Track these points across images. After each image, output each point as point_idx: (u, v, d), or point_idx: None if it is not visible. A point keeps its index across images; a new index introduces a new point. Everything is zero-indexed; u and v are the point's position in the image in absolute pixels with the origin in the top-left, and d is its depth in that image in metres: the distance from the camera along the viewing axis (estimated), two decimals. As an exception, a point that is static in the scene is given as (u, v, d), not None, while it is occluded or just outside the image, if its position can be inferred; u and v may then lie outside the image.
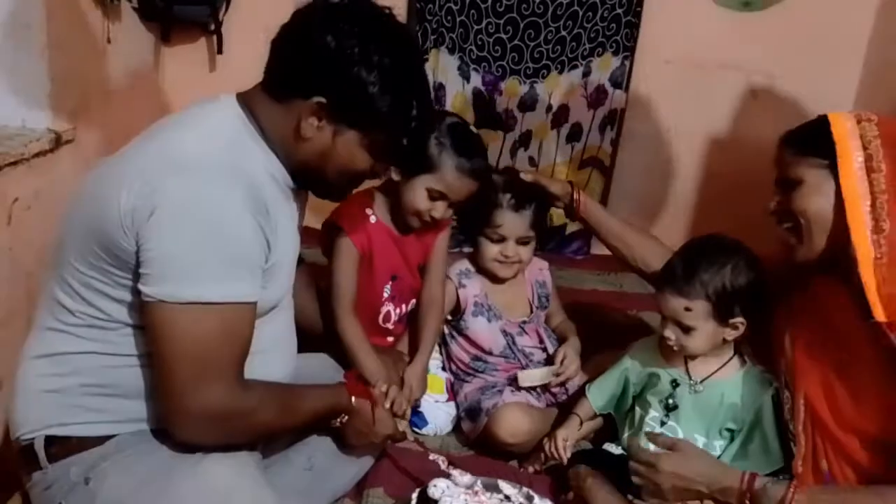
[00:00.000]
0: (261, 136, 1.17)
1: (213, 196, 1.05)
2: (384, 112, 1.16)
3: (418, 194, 1.59)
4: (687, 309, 1.42)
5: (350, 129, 1.17)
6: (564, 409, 1.71)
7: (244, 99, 1.19)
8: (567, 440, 1.55)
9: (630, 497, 1.47)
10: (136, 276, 1.07)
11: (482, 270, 1.82)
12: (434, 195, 1.59)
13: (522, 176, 1.76)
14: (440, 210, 1.61)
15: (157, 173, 1.05)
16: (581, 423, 1.61)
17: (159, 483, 1.10)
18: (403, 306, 1.78)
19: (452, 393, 1.79)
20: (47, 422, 1.14)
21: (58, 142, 1.85)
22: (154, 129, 1.18)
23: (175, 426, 1.10)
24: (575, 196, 1.76)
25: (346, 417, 1.33)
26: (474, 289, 1.81)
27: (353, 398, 1.33)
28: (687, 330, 1.44)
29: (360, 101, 1.14)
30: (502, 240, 1.75)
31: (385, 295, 1.73)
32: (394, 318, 1.77)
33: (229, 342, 1.09)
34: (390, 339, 1.81)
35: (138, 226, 1.04)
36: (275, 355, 1.28)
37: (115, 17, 2.19)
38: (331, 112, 1.14)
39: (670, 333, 1.46)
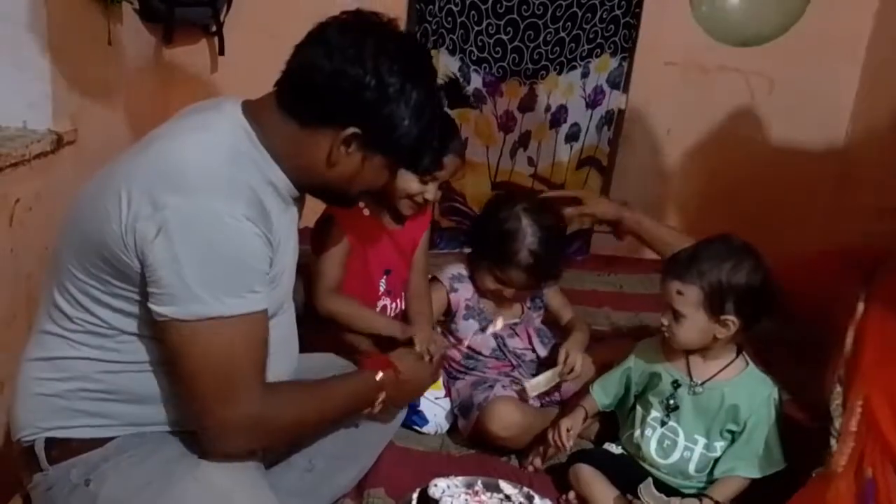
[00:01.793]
0: (265, 148, 1.17)
1: (216, 211, 1.05)
2: (414, 141, 1.20)
3: (409, 179, 1.62)
4: (679, 293, 1.43)
5: (378, 154, 1.21)
6: (564, 407, 1.71)
7: (251, 110, 1.18)
8: (571, 429, 1.55)
9: (630, 497, 1.48)
10: (138, 289, 1.08)
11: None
12: (424, 178, 1.62)
13: (567, 212, 1.77)
14: (432, 191, 1.65)
15: (158, 190, 1.04)
16: (586, 416, 1.61)
17: (159, 485, 1.10)
18: (399, 301, 1.79)
19: (449, 390, 1.80)
20: (47, 424, 1.15)
21: (59, 143, 1.86)
22: (152, 138, 1.17)
23: (213, 442, 1.11)
24: (627, 215, 1.77)
25: (383, 395, 1.34)
26: (466, 293, 1.81)
27: (378, 374, 1.33)
28: (678, 317, 1.45)
29: (394, 133, 1.18)
30: (507, 284, 1.75)
31: (381, 290, 1.74)
32: (390, 312, 1.77)
33: (249, 351, 1.10)
34: None
35: (142, 245, 1.04)
36: (277, 360, 1.27)
37: (116, 18, 2.19)
38: (363, 142, 1.18)
39: (664, 319, 1.48)
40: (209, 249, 1.04)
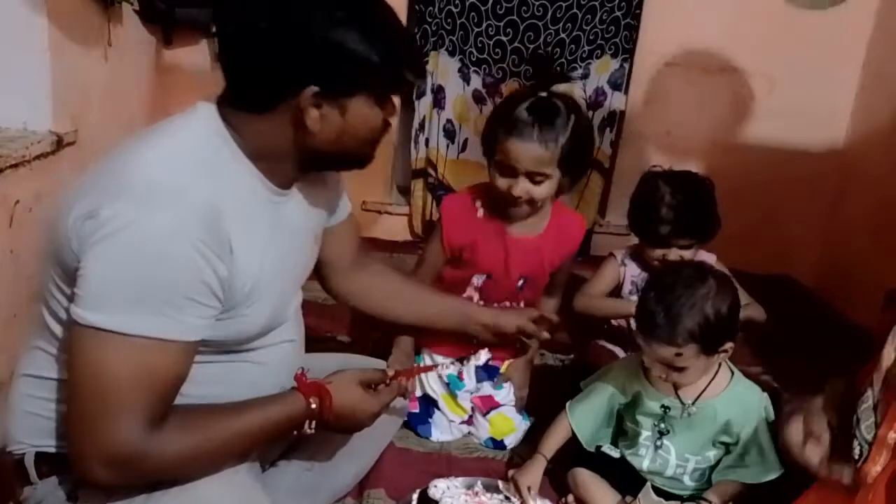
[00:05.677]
0: (241, 149, 1.10)
1: (151, 223, 0.98)
2: (376, 59, 1.07)
3: (493, 173, 1.59)
4: (677, 354, 1.38)
5: (354, 96, 1.10)
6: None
7: (222, 110, 1.11)
8: (531, 488, 1.48)
9: (628, 499, 1.47)
10: None
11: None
12: (503, 169, 1.56)
13: None
14: (518, 186, 1.56)
15: (105, 195, 1.00)
16: (547, 462, 1.54)
17: (143, 499, 1.07)
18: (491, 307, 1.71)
19: (471, 419, 1.75)
20: (37, 441, 1.13)
21: (59, 144, 1.86)
22: (125, 144, 1.11)
23: (74, 462, 1.02)
24: None
25: (314, 424, 1.18)
26: (633, 270, 1.94)
27: (310, 400, 1.17)
28: (680, 369, 1.40)
29: (350, 65, 1.06)
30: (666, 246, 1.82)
31: (473, 283, 1.70)
32: None
33: (142, 380, 0.99)
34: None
35: (80, 248, 0.99)
36: (263, 391, 1.17)
37: (116, 19, 2.20)
38: (329, 93, 1.07)
39: (660, 373, 1.42)
40: (129, 261, 0.98)
